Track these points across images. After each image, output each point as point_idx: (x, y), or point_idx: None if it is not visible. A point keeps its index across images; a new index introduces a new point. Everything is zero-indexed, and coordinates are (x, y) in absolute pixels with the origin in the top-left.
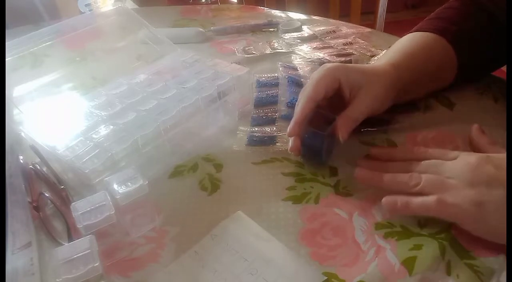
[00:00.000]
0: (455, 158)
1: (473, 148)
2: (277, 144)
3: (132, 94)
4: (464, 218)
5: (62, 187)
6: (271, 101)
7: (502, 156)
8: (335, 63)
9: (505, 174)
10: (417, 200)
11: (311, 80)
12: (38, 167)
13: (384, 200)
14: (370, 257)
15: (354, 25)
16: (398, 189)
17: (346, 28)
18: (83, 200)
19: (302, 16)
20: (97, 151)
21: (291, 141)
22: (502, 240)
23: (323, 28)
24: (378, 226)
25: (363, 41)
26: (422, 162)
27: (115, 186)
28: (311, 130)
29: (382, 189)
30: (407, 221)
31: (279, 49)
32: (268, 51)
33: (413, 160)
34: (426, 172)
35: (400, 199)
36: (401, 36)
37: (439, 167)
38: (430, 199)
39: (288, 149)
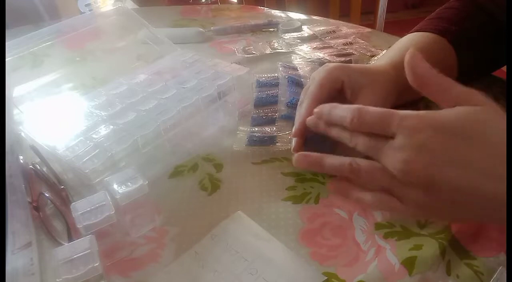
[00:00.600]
0: (394, 134)
1: (417, 88)
2: (277, 144)
3: (132, 94)
4: (404, 214)
5: (62, 187)
6: (271, 101)
7: (453, 125)
8: (337, 63)
9: (449, 167)
10: (356, 195)
11: (314, 80)
12: (38, 167)
13: (332, 184)
14: (370, 257)
15: (354, 25)
16: (340, 175)
17: (346, 28)
18: (83, 200)
19: (302, 16)
20: (97, 151)
21: (294, 141)
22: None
23: (323, 28)
24: (378, 226)
25: (363, 41)
26: (362, 139)
27: (115, 186)
28: (314, 134)
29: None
30: (407, 221)
31: (279, 49)
32: (268, 51)
33: (351, 129)
34: (365, 152)
35: (345, 186)
36: (401, 36)
37: (377, 152)
38: (368, 197)
39: (291, 149)
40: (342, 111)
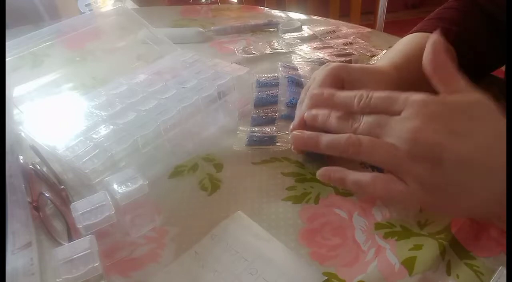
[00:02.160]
0: (401, 109)
1: (427, 73)
2: (277, 144)
3: (132, 94)
4: (406, 197)
5: (62, 187)
6: (271, 101)
7: (460, 105)
8: (338, 63)
9: (458, 137)
10: (352, 177)
11: (316, 79)
12: (38, 167)
13: (318, 172)
14: (370, 257)
15: (354, 25)
16: (338, 154)
17: (346, 28)
18: (83, 200)
19: (302, 16)
20: (97, 151)
21: None
22: (457, 214)
23: (323, 28)
24: (378, 226)
25: (363, 41)
26: (365, 119)
27: (115, 186)
28: (313, 129)
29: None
30: (407, 221)
31: (279, 49)
32: (268, 51)
33: (357, 111)
34: (368, 133)
35: (334, 173)
36: (401, 36)
37: (382, 128)
38: (366, 177)
39: (292, 147)
40: (346, 94)
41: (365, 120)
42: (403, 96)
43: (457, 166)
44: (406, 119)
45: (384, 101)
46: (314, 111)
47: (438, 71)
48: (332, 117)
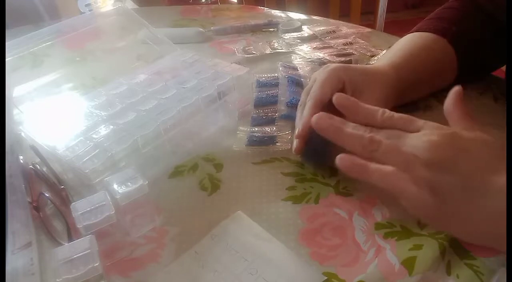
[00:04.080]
0: (419, 130)
1: (446, 115)
2: (277, 144)
3: (132, 94)
4: (418, 201)
5: (62, 187)
6: (271, 101)
7: (471, 136)
8: (338, 64)
9: (467, 157)
10: (375, 165)
11: (317, 81)
12: (38, 167)
13: (339, 157)
14: (370, 257)
15: (354, 25)
16: (354, 148)
17: (346, 28)
18: (83, 200)
19: (302, 16)
20: (97, 151)
21: (295, 142)
22: (464, 237)
23: (323, 28)
24: (378, 226)
25: (363, 41)
26: (385, 131)
27: (115, 186)
28: (316, 133)
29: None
30: (407, 221)
31: (279, 49)
32: (268, 51)
33: (376, 125)
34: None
35: (358, 159)
36: (401, 36)
37: (401, 139)
38: (388, 168)
39: (293, 150)
40: (371, 106)
41: (385, 131)
42: (422, 120)
43: (465, 178)
44: (424, 135)
45: (405, 120)
46: (329, 117)
47: (456, 110)
48: (350, 124)
